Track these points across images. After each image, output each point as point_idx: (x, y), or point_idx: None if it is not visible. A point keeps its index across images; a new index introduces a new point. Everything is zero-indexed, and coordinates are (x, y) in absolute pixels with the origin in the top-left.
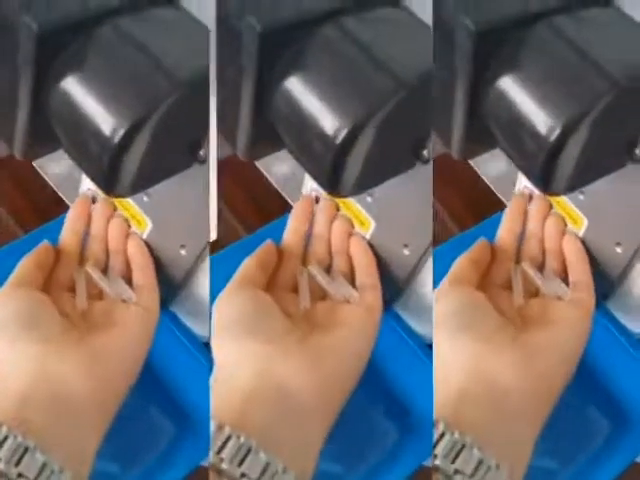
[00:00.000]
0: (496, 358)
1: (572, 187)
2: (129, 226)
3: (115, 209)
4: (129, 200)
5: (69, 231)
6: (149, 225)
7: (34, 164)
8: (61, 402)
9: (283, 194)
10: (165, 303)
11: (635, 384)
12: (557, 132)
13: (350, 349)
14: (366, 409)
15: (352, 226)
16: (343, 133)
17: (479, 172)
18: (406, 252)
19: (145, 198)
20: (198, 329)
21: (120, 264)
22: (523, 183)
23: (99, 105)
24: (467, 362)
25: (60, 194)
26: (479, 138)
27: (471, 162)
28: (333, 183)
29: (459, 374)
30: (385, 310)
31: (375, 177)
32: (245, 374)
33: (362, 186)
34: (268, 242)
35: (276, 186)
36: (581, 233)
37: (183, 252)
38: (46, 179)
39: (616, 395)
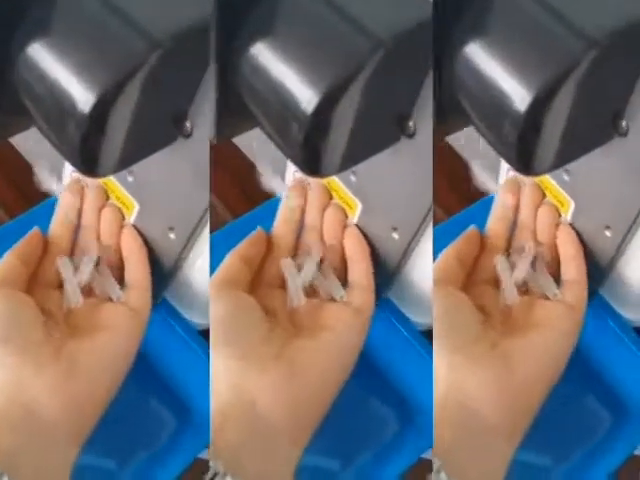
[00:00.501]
0: (471, 373)
1: (553, 165)
2: (123, 217)
3: (107, 196)
4: (114, 182)
5: (58, 222)
6: (136, 207)
7: (12, 142)
8: (33, 422)
9: (265, 176)
10: (157, 291)
11: (632, 374)
12: (529, 102)
13: (332, 358)
14: (360, 400)
15: (345, 215)
16: (315, 102)
17: (458, 150)
18: (395, 236)
19: (130, 178)
20: (192, 316)
21: (111, 258)
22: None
23: (68, 72)
24: (443, 376)
25: (40, 176)
26: (452, 114)
27: (449, 139)
28: (310, 161)
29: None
30: (376, 298)
31: (356, 153)
32: (218, 390)
33: (343, 164)
34: (257, 232)
35: (258, 166)
36: (568, 217)
37: (172, 235)
38: (26, 159)
39: (613, 385)
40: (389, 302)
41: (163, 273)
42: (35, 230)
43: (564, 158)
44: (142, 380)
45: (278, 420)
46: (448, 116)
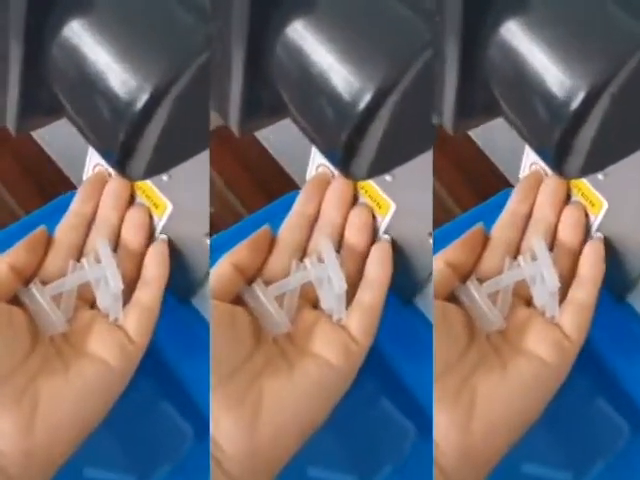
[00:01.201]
0: (439, 410)
1: (592, 168)
2: (151, 219)
3: (133, 194)
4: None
5: (67, 223)
6: (169, 208)
7: (34, 135)
8: None
9: (286, 170)
10: (186, 298)
11: None
12: (581, 97)
13: (308, 398)
14: (377, 411)
15: (373, 219)
16: (367, 98)
17: (480, 144)
18: (431, 241)
19: (164, 177)
20: None
21: (128, 271)
22: (531, 158)
23: (115, 61)
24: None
25: (64, 171)
26: (478, 106)
27: (471, 133)
28: (347, 162)
29: None
30: (405, 305)
31: (397, 155)
32: None
33: (381, 167)
34: (261, 232)
35: (278, 160)
36: (599, 219)
37: (208, 241)
38: (48, 153)
39: (631, 394)
40: (416, 310)
41: (194, 282)
42: (37, 232)
43: (604, 161)
44: (157, 389)
45: (237, 468)
46: (472, 108)
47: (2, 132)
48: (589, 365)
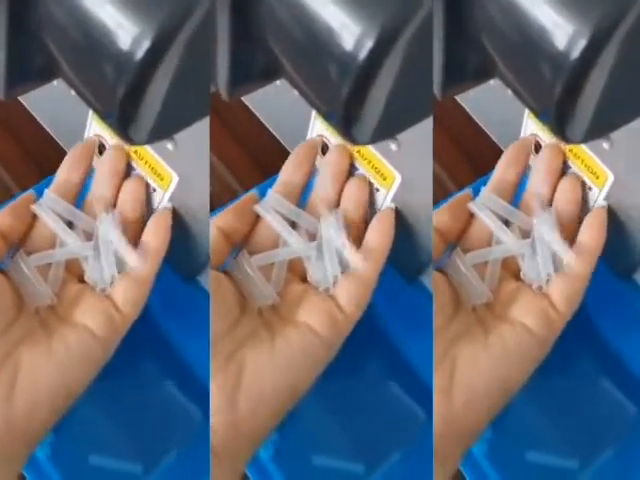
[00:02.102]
0: None
1: (597, 131)
2: (150, 189)
3: (130, 164)
4: (147, 149)
5: (58, 186)
6: (174, 180)
7: (31, 110)
8: None
9: (284, 145)
10: (192, 276)
11: None
12: (583, 44)
13: (288, 368)
14: (385, 395)
15: (369, 191)
16: (368, 46)
17: (477, 119)
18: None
19: (169, 146)
20: None
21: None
22: (530, 131)
23: (115, 8)
24: None
25: (58, 141)
26: (469, 67)
27: (467, 107)
28: (349, 123)
29: None
30: (411, 282)
31: (402, 118)
32: None
33: (385, 130)
34: (247, 196)
35: (272, 130)
36: (604, 191)
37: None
38: (46, 128)
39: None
40: (423, 287)
41: (200, 258)
42: (25, 196)
43: (613, 121)
44: (162, 371)
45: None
46: (462, 70)
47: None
48: (594, 346)
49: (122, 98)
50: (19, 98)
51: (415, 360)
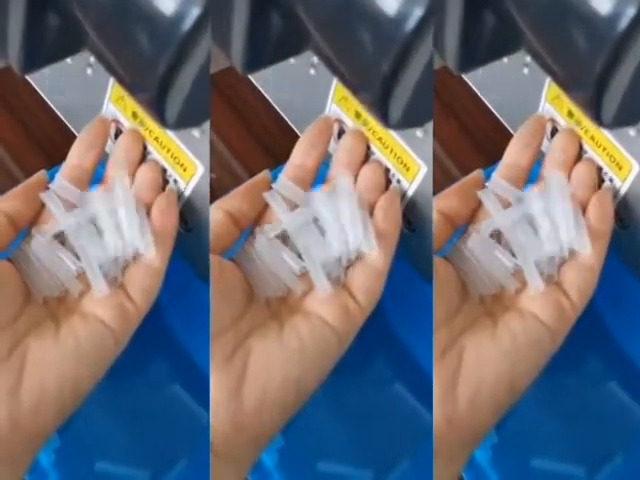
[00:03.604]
0: None
1: (637, 115)
2: (165, 180)
3: (145, 148)
4: (171, 135)
5: (69, 170)
6: (199, 171)
7: (32, 82)
8: None
9: (293, 127)
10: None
11: None
12: (630, 15)
13: (296, 359)
14: (395, 397)
15: (385, 179)
16: (417, 15)
17: (484, 98)
18: None
19: (196, 132)
20: None
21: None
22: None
23: None
24: None
25: (71, 127)
26: (487, 38)
27: (479, 92)
28: (385, 101)
29: None
30: (425, 282)
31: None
32: None
33: (421, 114)
34: (259, 177)
35: (284, 115)
36: (628, 183)
37: None
38: (58, 113)
39: None
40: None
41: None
42: (37, 176)
43: None
44: (171, 370)
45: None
46: (480, 41)
47: (4, 96)
48: (605, 348)
49: (160, 75)
50: (28, 78)
51: (425, 364)
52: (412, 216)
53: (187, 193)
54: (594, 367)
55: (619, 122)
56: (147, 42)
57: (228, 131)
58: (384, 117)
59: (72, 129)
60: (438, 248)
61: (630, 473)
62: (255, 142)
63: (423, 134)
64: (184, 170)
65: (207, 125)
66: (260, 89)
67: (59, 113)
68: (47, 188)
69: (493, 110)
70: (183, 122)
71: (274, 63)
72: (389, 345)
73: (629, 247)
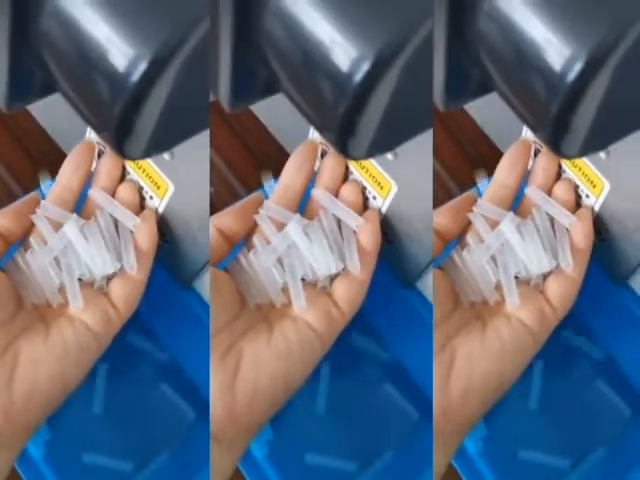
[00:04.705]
0: None
1: (592, 148)
2: (142, 197)
3: (124, 169)
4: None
5: (59, 189)
6: (170, 189)
7: (33, 113)
8: None
9: (286, 149)
10: (187, 282)
11: None
12: (578, 68)
13: (284, 359)
14: (380, 394)
15: (363, 196)
16: (364, 69)
17: (478, 120)
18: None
19: (166, 156)
20: None
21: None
22: (530, 133)
23: (112, 30)
24: None
25: (63, 149)
26: (470, 82)
27: (470, 110)
28: (345, 141)
29: None
30: (407, 287)
31: (398, 134)
32: None
33: (381, 146)
34: (252, 198)
35: (278, 139)
36: (600, 200)
37: (210, 223)
38: (47, 131)
39: (632, 377)
40: (418, 293)
41: (195, 265)
42: (30, 197)
43: (607, 138)
44: (155, 370)
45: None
46: (464, 84)
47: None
48: (588, 348)
49: (117, 117)
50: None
51: (409, 362)
52: (389, 229)
53: (161, 209)
54: (581, 367)
55: (578, 154)
56: (104, 90)
57: (226, 149)
58: (344, 152)
59: (61, 146)
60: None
61: (611, 466)
62: (251, 159)
63: (393, 157)
64: (158, 188)
65: (175, 149)
66: (254, 111)
67: (49, 131)
68: (39, 206)
69: (484, 129)
70: (147, 153)
71: (255, 102)
72: (376, 347)
73: (607, 256)
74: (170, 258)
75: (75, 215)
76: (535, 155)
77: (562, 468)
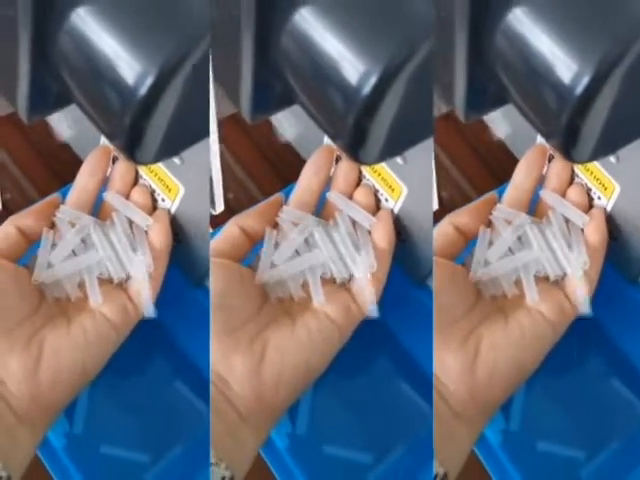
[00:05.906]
0: (443, 357)
1: (601, 153)
2: (154, 200)
3: (137, 173)
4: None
5: (77, 193)
6: (181, 192)
7: (49, 122)
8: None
9: (302, 155)
10: (199, 280)
11: None
12: (585, 82)
13: (306, 349)
14: (393, 389)
15: (375, 199)
16: (372, 82)
17: (494, 130)
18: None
19: (177, 160)
20: None
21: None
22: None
23: (120, 46)
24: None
25: (79, 155)
26: (488, 94)
27: (485, 118)
28: (355, 147)
29: None
30: (418, 286)
31: (406, 140)
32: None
33: (390, 151)
34: (272, 200)
35: (294, 146)
36: (612, 202)
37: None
38: (64, 138)
39: None
40: (428, 291)
41: (206, 263)
42: (51, 199)
43: (616, 144)
44: (171, 367)
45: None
46: (482, 96)
47: (16, 118)
48: (603, 345)
49: (127, 126)
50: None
51: (422, 358)
52: (401, 229)
53: (173, 210)
54: (597, 364)
55: (588, 159)
56: (115, 102)
57: (245, 158)
58: (355, 158)
59: (78, 153)
60: (450, 255)
61: (624, 459)
62: (269, 166)
63: (403, 161)
64: (169, 190)
65: (184, 154)
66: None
67: (66, 139)
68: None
69: (500, 136)
70: (156, 158)
71: (274, 114)
72: (391, 343)
73: (619, 255)
74: (182, 257)
75: (92, 217)
76: (549, 161)
77: (578, 459)
